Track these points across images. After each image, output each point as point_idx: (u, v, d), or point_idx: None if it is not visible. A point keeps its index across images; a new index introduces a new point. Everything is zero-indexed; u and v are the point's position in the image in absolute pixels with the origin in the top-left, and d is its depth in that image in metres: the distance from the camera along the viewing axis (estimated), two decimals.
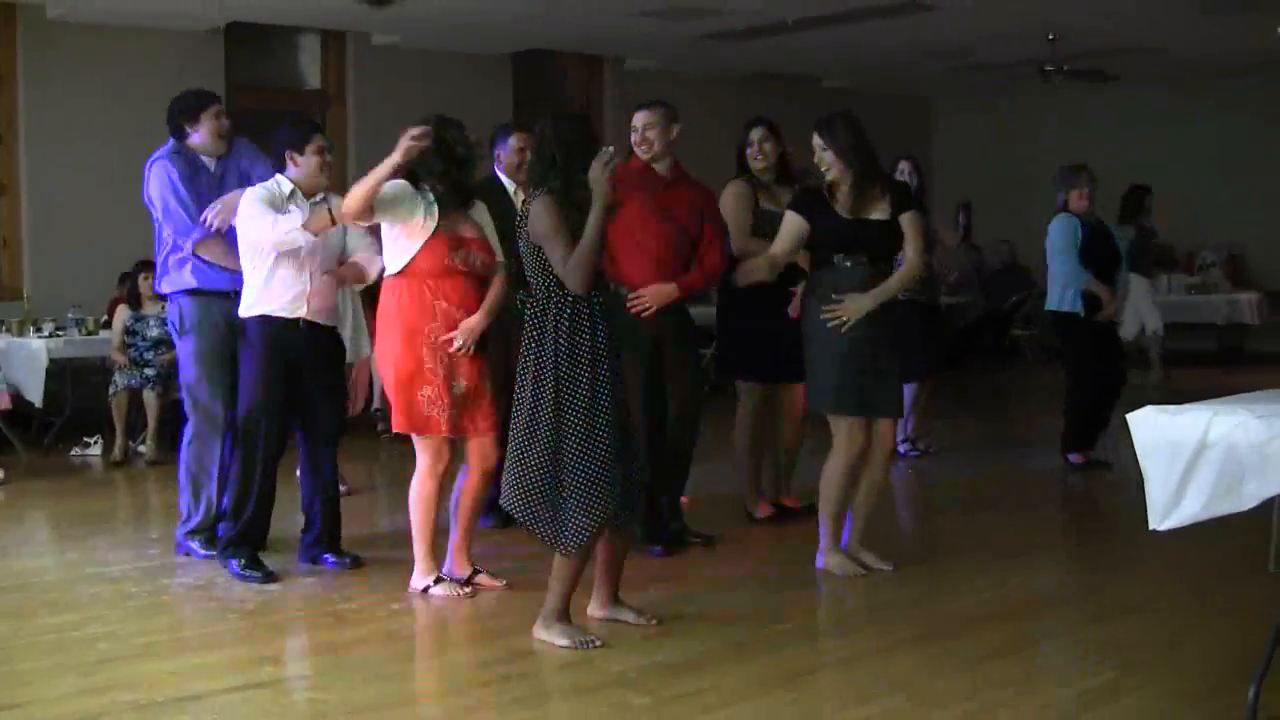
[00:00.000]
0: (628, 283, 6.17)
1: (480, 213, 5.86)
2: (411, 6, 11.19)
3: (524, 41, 13.44)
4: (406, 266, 5.65)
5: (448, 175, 5.63)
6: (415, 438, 5.73)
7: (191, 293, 6.33)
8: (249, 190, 5.99)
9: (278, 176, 6.01)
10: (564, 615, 4.95)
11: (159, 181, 6.27)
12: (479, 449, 5.80)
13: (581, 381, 4.78)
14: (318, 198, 6.02)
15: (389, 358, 5.69)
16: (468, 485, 5.85)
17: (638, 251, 6.18)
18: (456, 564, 5.83)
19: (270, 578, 5.94)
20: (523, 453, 4.82)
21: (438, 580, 5.70)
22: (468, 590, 5.68)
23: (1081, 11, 12.17)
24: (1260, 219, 15.87)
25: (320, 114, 12.88)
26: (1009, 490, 8.36)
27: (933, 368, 9.15)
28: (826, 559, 6.02)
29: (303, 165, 5.98)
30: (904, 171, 8.81)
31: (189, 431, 6.46)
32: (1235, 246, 16.19)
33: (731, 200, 6.81)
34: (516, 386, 4.90)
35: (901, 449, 9.16)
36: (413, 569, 5.76)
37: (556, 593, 4.91)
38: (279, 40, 12.91)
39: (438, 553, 5.76)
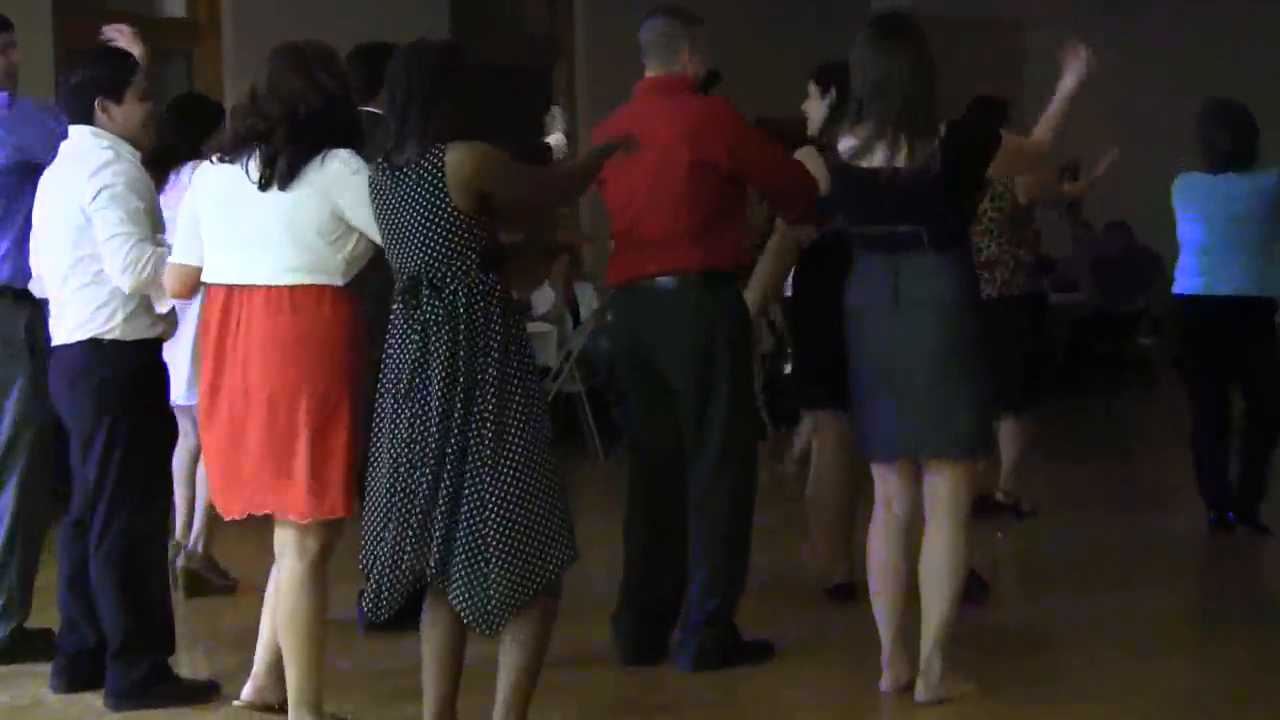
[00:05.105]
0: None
1: None
2: None
3: None
4: None
5: None
6: None
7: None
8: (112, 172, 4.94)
9: (94, 132, 5.04)
10: None
11: None
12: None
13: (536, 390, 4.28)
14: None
15: None
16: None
17: None
18: None
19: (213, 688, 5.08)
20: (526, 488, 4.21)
21: None
22: None
23: None
24: None
25: (186, 51, 10.33)
26: (1136, 558, 6.98)
27: (1039, 392, 7.44)
28: (887, 670, 4.92)
29: (119, 116, 5.10)
30: None
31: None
32: None
33: None
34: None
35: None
36: None
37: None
38: None
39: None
